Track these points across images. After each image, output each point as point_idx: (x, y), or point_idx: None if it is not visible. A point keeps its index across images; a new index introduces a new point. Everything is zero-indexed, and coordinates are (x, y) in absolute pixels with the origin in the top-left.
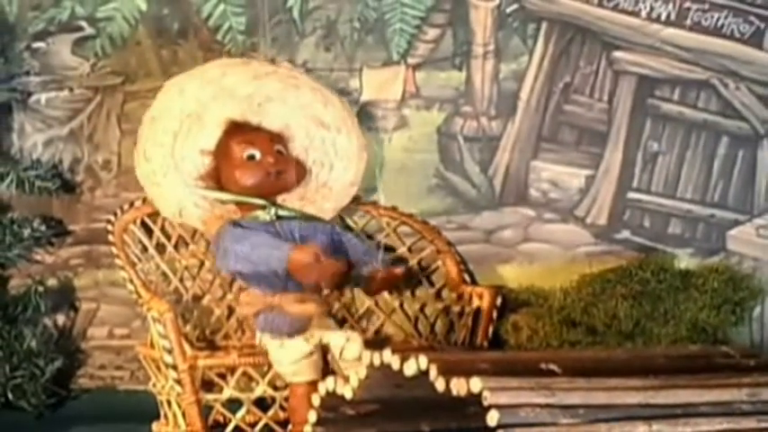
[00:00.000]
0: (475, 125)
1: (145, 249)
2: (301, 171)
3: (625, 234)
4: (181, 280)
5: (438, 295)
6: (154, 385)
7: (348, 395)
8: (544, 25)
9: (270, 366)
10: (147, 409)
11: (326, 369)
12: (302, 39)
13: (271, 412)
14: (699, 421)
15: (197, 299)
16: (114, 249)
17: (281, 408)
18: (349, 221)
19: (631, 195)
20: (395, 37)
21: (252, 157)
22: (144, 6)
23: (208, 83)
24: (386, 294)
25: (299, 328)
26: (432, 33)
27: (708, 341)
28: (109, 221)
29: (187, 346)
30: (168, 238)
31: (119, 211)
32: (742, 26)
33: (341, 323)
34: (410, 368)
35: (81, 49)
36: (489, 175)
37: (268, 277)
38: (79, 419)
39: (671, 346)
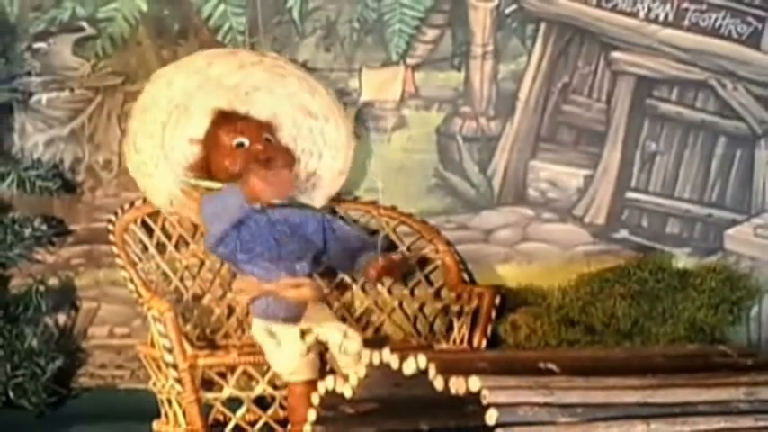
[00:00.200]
0: (474, 125)
1: (145, 249)
2: (290, 159)
3: (623, 234)
4: (181, 279)
5: (437, 295)
6: (154, 384)
7: (347, 394)
8: (543, 26)
9: (269, 365)
10: (148, 407)
11: (323, 369)
12: (302, 39)
13: (270, 411)
14: (697, 420)
15: (197, 298)
16: (115, 249)
17: (281, 406)
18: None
19: (629, 195)
20: (394, 38)
21: (241, 145)
22: (144, 7)
23: (194, 73)
24: (385, 294)
25: (294, 313)
26: (431, 34)
27: (705, 340)
28: (109, 221)
29: (187, 345)
30: (169, 237)
31: (119, 211)
32: (740, 27)
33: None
34: (409, 367)
35: (82, 49)
36: (488, 175)
37: (254, 242)
38: (80, 418)
39: (669, 346)
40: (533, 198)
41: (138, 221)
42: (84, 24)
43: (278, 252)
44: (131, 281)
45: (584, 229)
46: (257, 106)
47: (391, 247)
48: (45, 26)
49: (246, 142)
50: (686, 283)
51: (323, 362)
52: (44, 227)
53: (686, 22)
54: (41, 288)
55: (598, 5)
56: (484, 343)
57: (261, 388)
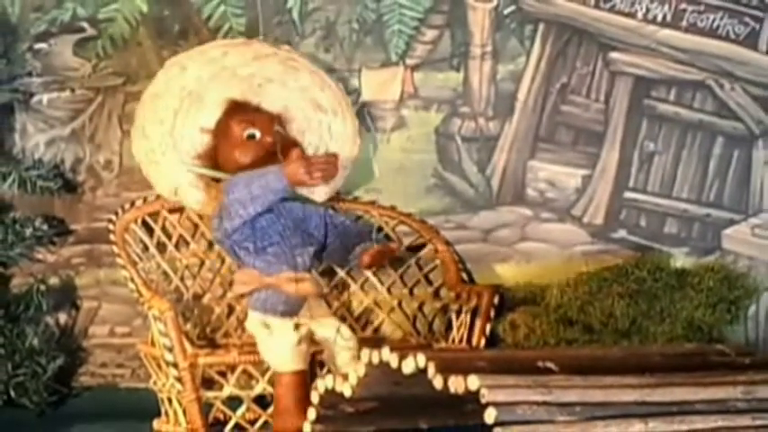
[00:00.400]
0: (473, 125)
1: (146, 248)
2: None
3: (621, 233)
4: (181, 279)
5: (436, 294)
6: (155, 383)
7: (347, 393)
8: (541, 26)
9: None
10: (148, 406)
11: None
12: (302, 40)
13: (270, 409)
14: (694, 419)
15: (197, 297)
16: (115, 248)
17: None
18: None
19: (628, 195)
20: (393, 38)
21: (252, 137)
22: (145, 8)
23: (209, 62)
24: (384, 293)
25: (293, 307)
26: (430, 34)
27: (703, 339)
28: (110, 221)
29: (188, 345)
30: (169, 237)
31: (120, 211)
32: (737, 27)
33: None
34: (408, 366)
35: (82, 49)
36: (487, 174)
37: (272, 233)
38: (80, 417)
39: (667, 345)
40: (532, 198)
41: (139, 221)
42: (85, 25)
43: (281, 246)
44: (132, 280)
45: (582, 228)
46: (269, 98)
47: (387, 240)
48: (46, 27)
49: (258, 134)
50: (684, 282)
51: (320, 363)
52: (45, 226)
53: (684, 23)
54: (42, 287)
55: (596, 6)
56: (483, 342)
57: (261, 387)
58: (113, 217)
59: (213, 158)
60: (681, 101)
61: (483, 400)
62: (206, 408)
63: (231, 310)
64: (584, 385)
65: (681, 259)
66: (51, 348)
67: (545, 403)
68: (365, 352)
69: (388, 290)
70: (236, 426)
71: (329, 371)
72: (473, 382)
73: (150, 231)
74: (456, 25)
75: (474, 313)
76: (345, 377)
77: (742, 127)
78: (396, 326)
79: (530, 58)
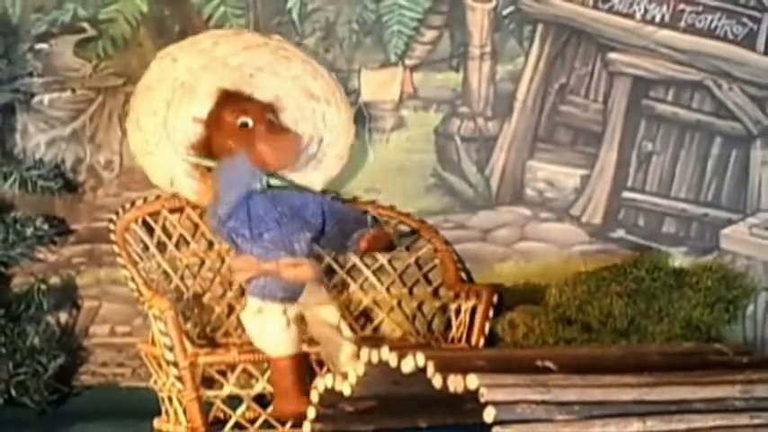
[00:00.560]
0: (472, 125)
1: (146, 248)
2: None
3: (620, 233)
4: (182, 278)
5: (435, 293)
6: (155, 382)
7: (346, 392)
8: (540, 27)
9: (270, 364)
10: (149, 405)
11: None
12: (301, 40)
13: (270, 408)
14: (692, 418)
15: (198, 297)
16: (116, 248)
17: None
18: None
19: (626, 195)
20: (393, 39)
21: (245, 125)
22: (145, 8)
23: (200, 53)
24: (384, 293)
25: (292, 293)
26: (429, 35)
27: (701, 339)
28: (111, 220)
29: (188, 344)
30: (169, 236)
31: (120, 211)
32: (735, 28)
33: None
34: (408, 365)
35: (83, 50)
36: (486, 174)
37: (265, 218)
38: (81, 416)
39: (665, 344)
40: (531, 198)
41: (139, 221)
42: (86, 25)
43: (279, 233)
44: (132, 280)
45: (581, 228)
46: (261, 88)
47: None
48: (47, 27)
49: (250, 123)
50: (682, 281)
51: (320, 363)
52: (46, 226)
53: (682, 24)
54: (43, 287)
55: (595, 7)
56: (482, 341)
57: (261, 386)
58: (114, 217)
59: (207, 148)
60: (679, 101)
61: (482, 399)
62: (206, 407)
63: (231, 309)
64: (583, 384)
65: (679, 259)
66: (52, 347)
67: (544, 402)
68: (364, 351)
69: (388, 289)
70: (236, 425)
71: (329, 370)
72: (472, 381)
73: (151, 231)
74: (455, 26)
75: (473, 312)
76: (345, 376)
77: (740, 127)
78: (395, 325)
79: (528, 58)
